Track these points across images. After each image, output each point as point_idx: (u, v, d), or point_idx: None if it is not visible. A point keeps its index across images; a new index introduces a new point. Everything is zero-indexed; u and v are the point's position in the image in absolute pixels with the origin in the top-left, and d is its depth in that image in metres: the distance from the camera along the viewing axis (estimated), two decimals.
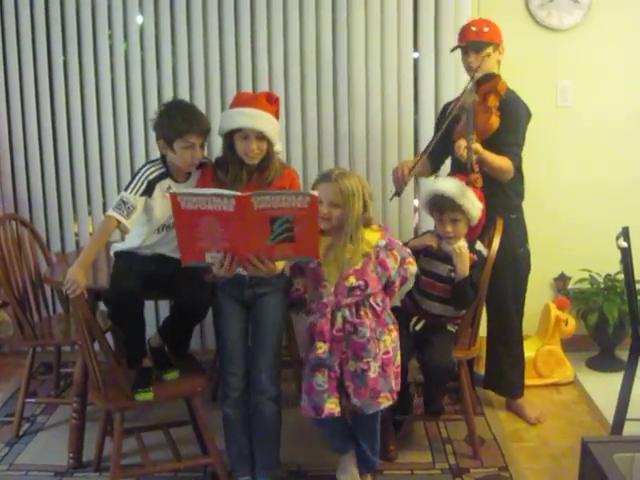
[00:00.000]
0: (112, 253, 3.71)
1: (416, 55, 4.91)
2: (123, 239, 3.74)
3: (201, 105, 4.78)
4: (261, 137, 3.31)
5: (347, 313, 3.37)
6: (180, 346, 3.69)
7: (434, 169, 4.30)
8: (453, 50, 4.12)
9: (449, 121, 3.85)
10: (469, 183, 3.64)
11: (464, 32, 4.01)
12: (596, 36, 4.86)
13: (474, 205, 3.65)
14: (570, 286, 5.10)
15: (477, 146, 3.64)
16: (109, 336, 4.10)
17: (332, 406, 3.39)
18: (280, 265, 3.30)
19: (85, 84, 5.02)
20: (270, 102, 3.36)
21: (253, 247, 3.05)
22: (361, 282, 3.35)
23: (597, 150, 4.99)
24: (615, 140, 4.98)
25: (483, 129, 3.78)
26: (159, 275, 3.53)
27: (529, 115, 4.02)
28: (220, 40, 4.92)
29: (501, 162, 3.79)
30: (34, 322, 4.24)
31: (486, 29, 3.94)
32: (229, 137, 3.36)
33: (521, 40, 4.83)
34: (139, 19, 4.96)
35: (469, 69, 3.97)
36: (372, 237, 3.40)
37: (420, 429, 4.20)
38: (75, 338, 4.05)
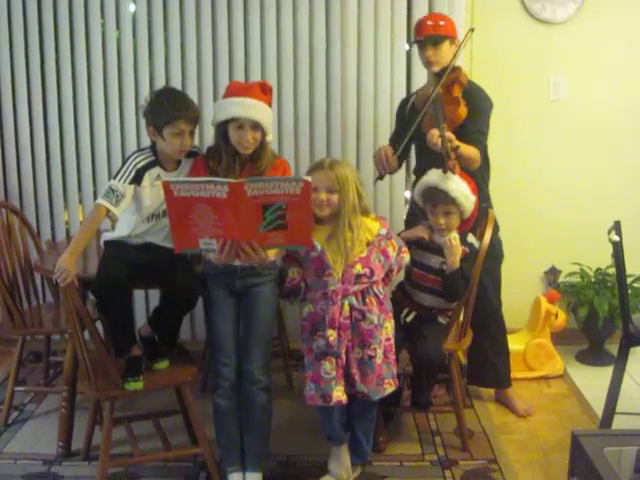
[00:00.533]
0: (102, 242, 3.71)
1: (408, 47, 4.90)
2: (114, 228, 3.73)
3: (193, 94, 4.78)
4: (256, 127, 3.30)
5: (354, 301, 3.40)
6: (169, 335, 3.68)
7: (399, 164, 4.28)
8: (411, 45, 4.13)
9: (420, 117, 3.86)
10: (447, 170, 3.63)
11: (420, 26, 3.98)
12: (590, 30, 4.86)
13: (467, 198, 3.64)
14: (561, 279, 5.11)
15: (450, 135, 3.64)
16: (99, 325, 4.09)
17: (339, 394, 3.40)
18: (272, 254, 3.31)
19: (77, 72, 4.99)
20: (264, 92, 3.35)
21: (246, 234, 3.05)
22: (367, 270, 3.39)
23: (589, 144, 5.00)
24: (607, 134, 4.99)
25: (452, 118, 3.78)
26: (149, 264, 3.52)
27: (491, 104, 4.03)
28: (213, 29, 4.91)
29: (470, 151, 3.79)
30: (24, 310, 4.23)
31: (442, 22, 3.93)
32: (223, 127, 3.34)
33: (514, 33, 4.85)
34: (131, 7, 4.93)
35: (427, 63, 3.97)
36: (373, 226, 3.45)
37: (409, 421, 4.20)
38: (65, 327, 4.04)
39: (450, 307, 3.83)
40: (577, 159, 5.01)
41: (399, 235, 3.74)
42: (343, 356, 3.41)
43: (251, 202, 2.95)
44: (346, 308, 3.40)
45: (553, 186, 5.04)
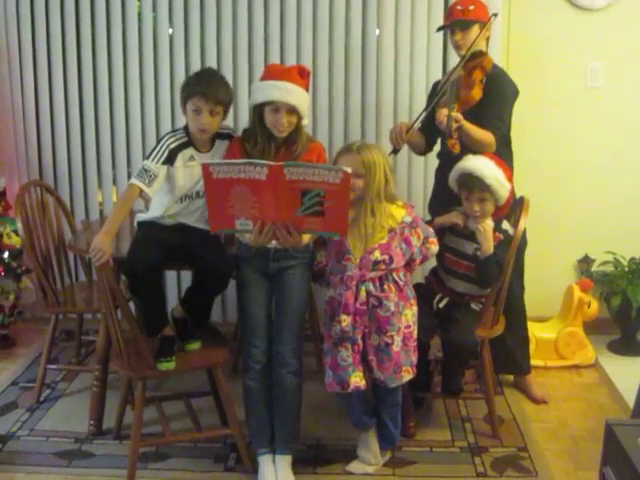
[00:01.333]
0: (135, 223, 3.72)
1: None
2: (147, 209, 3.74)
3: (228, 75, 4.74)
4: (292, 111, 3.29)
5: (371, 287, 3.37)
6: (201, 317, 3.68)
7: (427, 145, 4.27)
8: (439, 30, 4.17)
9: (439, 97, 3.85)
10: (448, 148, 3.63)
11: (450, 11, 3.99)
12: (628, 17, 4.80)
13: (502, 186, 3.61)
14: (594, 268, 5.07)
15: (457, 115, 3.63)
16: (132, 305, 4.11)
17: (357, 379, 3.39)
18: (306, 238, 3.31)
19: (113, 53, 5.01)
20: (302, 76, 3.33)
21: (283, 217, 3.07)
22: (386, 257, 3.35)
23: (625, 132, 4.95)
24: None
25: (465, 100, 3.77)
26: (181, 245, 3.53)
27: (516, 92, 3.99)
28: (249, 11, 4.90)
29: (482, 135, 3.76)
30: (57, 289, 4.26)
31: (471, 7, 3.91)
32: (259, 109, 3.34)
33: (552, 20, 4.80)
34: None
35: (456, 47, 3.97)
36: (398, 213, 3.40)
37: (440, 407, 4.20)
38: (98, 306, 4.07)
39: (483, 294, 3.81)
40: (613, 147, 4.96)
41: (433, 220, 3.73)
42: (360, 342, 3.40)
43: (289, 186, 2.97)
44: (362, 294, 3.37)
45: (588, 174, 4.99)
